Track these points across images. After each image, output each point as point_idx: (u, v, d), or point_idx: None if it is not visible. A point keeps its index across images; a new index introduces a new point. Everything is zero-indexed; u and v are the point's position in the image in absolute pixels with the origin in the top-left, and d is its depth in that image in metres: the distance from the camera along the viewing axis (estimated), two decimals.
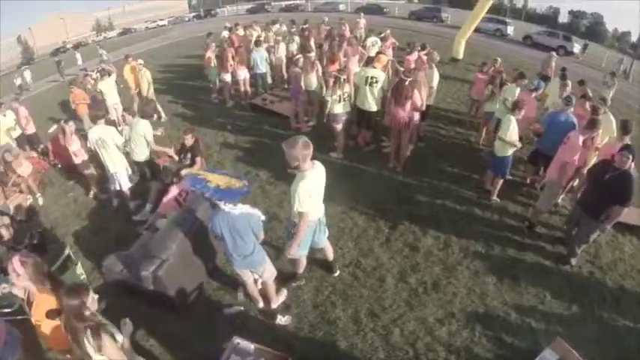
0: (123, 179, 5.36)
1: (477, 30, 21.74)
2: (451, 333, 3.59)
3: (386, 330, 3.59)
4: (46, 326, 2.43)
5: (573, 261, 4.38)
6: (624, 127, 4.29)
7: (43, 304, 2.41)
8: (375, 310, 3.80)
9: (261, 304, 3.78)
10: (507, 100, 5.95)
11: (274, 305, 3.75)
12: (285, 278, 4.07)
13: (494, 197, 5.44)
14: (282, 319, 3.65)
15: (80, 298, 2.10)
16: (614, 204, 3.79)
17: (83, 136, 5.95)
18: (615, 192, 3.74)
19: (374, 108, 6.22)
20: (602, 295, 4.09)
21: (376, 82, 5.97)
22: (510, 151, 5.04)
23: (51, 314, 2.41)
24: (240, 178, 3.00)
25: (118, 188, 5.43)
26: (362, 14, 14.39)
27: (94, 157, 5.59)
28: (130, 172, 5.45)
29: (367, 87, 6.02)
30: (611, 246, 4.79)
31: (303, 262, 3.92)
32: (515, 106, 4.95)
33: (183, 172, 3.32)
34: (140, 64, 8.66)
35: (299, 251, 3.53)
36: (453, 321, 3.70)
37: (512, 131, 4.85)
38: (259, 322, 3.69)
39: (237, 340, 2.65)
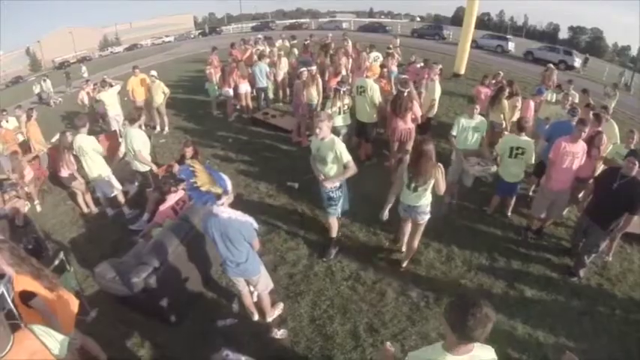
0: (105, 188, 5.43)
1: (478, 47, 22.28)
2: None
3: None
4: (22, 308, 2.48)
5: (582, 272, 4.23)
6: None
7: (18, 285, 2.44)
8: (374, 324, 3.64)
9: (256, 317, 3.65)
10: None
11: (270, 318, 3.61)
12: (282, 289, 3.96)
13: (509, 213, 5.30)
14: (277, 333, 3.51)
15: None
16: (624, 213, 3.67)
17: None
18: (624, 200, 3.61)
19: (365, 119, 6.19)
20: (612, 307, 3.93)
21: (364, 90, 5.96)
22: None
23: (24, 296, 2.42)
24: (223, 187, 2.77)
25: (101, 196, 5.54)
26: (398, 35, 15.41)
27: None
28: (112, 181, 5.42)
29: (359, 97, 6.04)
30: (620, 257, 4.64)
31: (336, 225, 4.41)
32: (522, 127, 4.75)
33: (188, 161, 3.24)
34: (153, 76, 8.55)
35: (336, 208, 4.15)
36: None
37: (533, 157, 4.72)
38: (254, 336, 3.53)
39: (225, 351, 2.51)
